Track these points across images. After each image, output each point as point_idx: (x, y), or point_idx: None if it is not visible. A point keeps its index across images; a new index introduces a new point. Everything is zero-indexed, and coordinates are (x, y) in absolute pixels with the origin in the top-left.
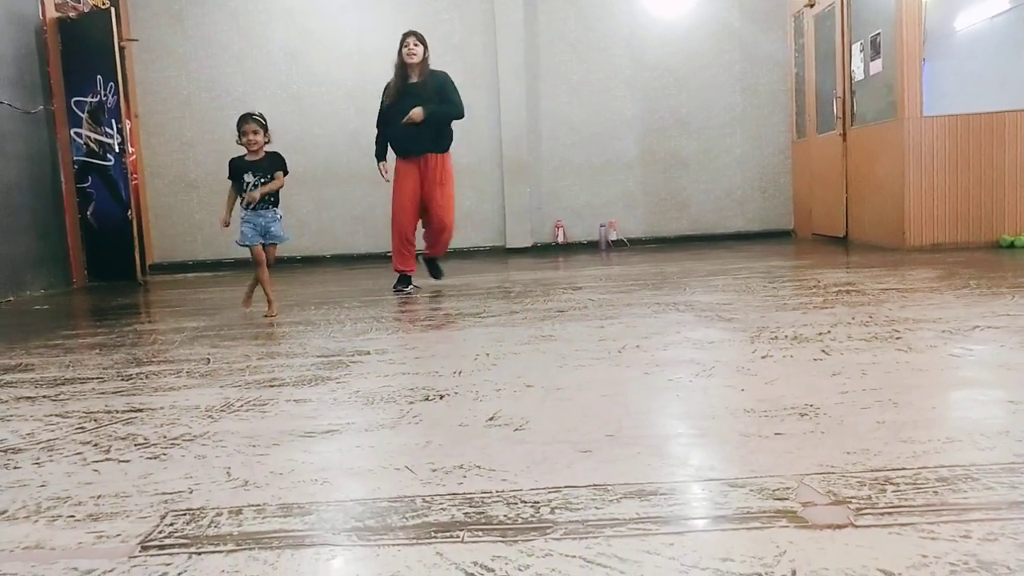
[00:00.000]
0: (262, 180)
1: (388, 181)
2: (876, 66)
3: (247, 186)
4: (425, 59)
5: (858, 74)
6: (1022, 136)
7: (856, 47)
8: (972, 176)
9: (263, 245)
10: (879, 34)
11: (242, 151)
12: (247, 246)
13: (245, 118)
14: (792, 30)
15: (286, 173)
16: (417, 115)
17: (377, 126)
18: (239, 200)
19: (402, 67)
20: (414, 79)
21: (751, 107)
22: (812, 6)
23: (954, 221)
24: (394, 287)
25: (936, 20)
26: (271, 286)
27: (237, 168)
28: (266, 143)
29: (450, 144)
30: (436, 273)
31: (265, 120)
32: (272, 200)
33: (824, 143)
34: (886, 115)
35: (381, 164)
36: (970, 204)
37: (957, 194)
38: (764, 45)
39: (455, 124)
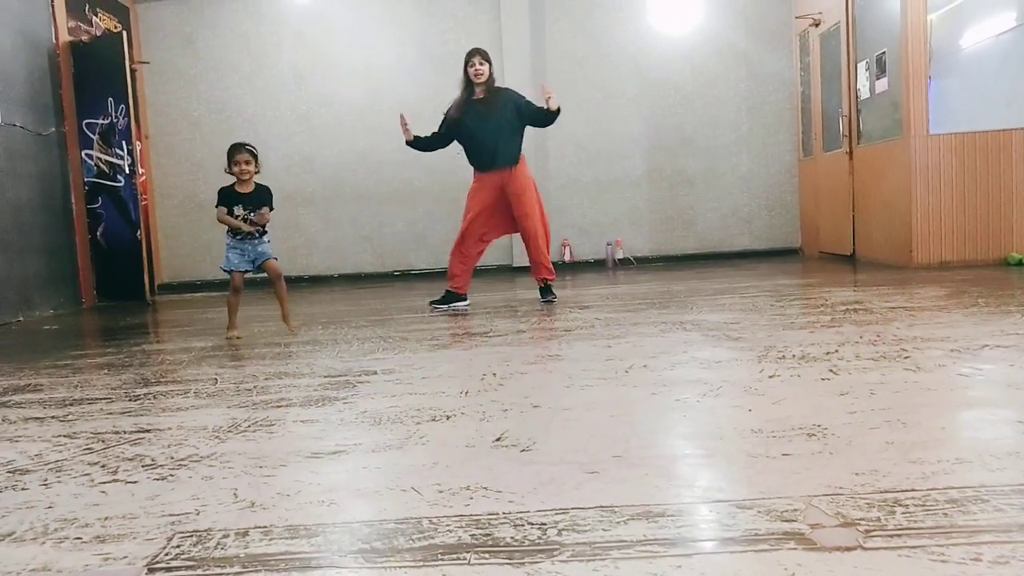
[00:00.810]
0: (251, 213)
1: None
2: (882, 84)
3: (237, 217)
4: (491, 76)
5: (864, 92)
6: None
7: (862, 66)
8: (979, 194)
9: (264, 263)
10: (884, 53)
11: (230, 180)
12: (229, 272)
13: (237, 147)
14: (797, 49)
15: (272, 208)
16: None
17: (438, 132)
18: (227, 230)
19: (468, 85)
20: (479, 95)
21: (757, 125)
22: (817, 25)
23: (962, 239)
24: (451, 303)
25: (942, 38)
26: (286, 300)
27: (227, 198)
28: (256, 172)
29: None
30: (545, 294)
31: (256, 151)
32: (259, 231)
33: (830, 161)
34: (892, 133)
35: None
36: (978, 222)
37: (964, 212)
38: (770, 64)
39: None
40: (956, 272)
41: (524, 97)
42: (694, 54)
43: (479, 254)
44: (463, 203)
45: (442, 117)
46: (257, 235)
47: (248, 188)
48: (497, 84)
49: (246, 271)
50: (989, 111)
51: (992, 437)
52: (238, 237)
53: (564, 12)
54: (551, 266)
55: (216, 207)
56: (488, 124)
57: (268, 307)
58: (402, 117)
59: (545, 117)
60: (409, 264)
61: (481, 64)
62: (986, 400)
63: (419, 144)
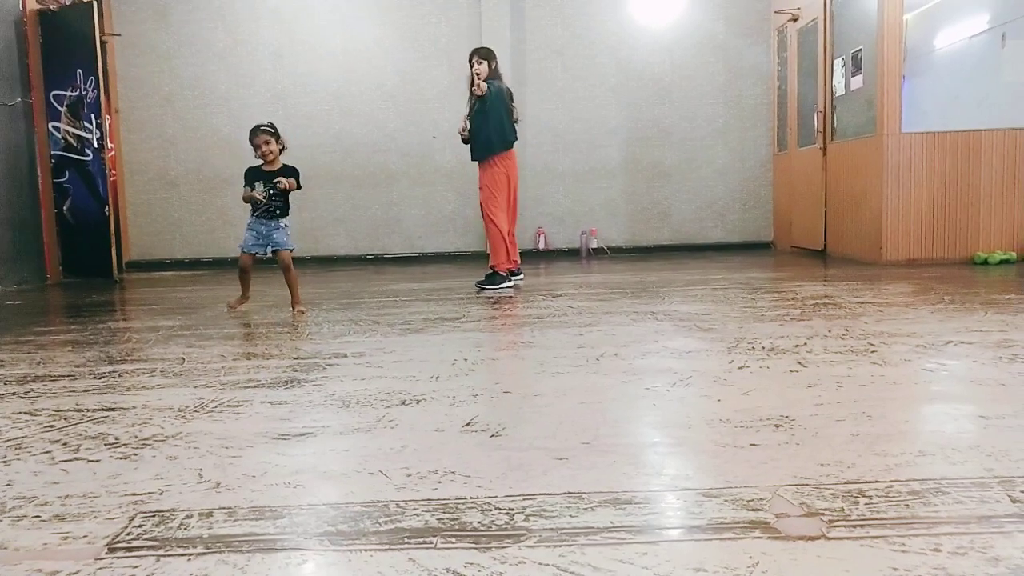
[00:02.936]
0: (272, 192)
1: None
2: (857, 82)
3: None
4: (495, 68)
5: (839, 89)
6: (998, 155)
7: (838, 62)
8: (948, 193)
9: (274, 252)
10: (860, 50)
11: (255, 161)
12: (243, 252)
13: (255, 131)
14: (776, 43)
15: (299, 186)
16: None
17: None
18: (252, 202)
19: (471, 84)
20: (479, 93)
21: (734, 119)
22: (796, 20)
23: (930, 237)
24: (499, 285)
25: (917, 38)
26: (297, 286)
27: (251, 176)
28: (282, 149)
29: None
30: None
31: (275, 128)
32: (279, 211)
33: (805, 156)
34: (866, 130)
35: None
36: (946, 221)
37: (934, 211)
38: (748, 57)
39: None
40: (924, 269)
41: (509, 94)
42: (674, 46)
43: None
44: (437, 187)
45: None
46: (276, 213)
47: (275, 167)
48: (494, 79)
49: (256, 254)
50: (960, 112)
51: (954, 431)
52: (255, 215)
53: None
54: (506, 258)
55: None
56: (479, 121)
57: (247, 288)
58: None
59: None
60: (383, 248)
61: (478, 64)
62: (949, 395)
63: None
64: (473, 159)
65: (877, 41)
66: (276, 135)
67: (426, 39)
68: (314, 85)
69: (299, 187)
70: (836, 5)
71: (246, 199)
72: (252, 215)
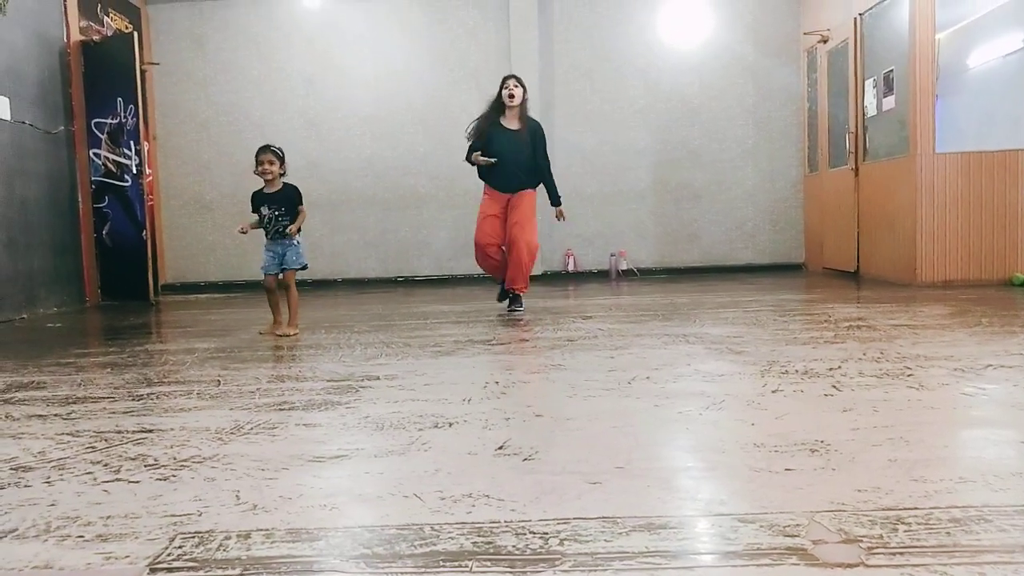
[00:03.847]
0: (277, 212)
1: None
2: (889, 102)
3: (264, 218)
4: (524, 101)
5: (871, 110)
6: None
7: (869, 83)
8: (984, 213)
9: (283, 270)
10: (892, 70)
11: (260, 183)
12: (265, 274)
13: (263, 149)
14: (805, 64)
15: (301, 203)
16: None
17: (469, 150)
18: (263, 229)
19: (499, 108)
20: (514, 124)
21: (763, 140)
22: (825, 41)
23: (966, 258)
24: (514, 307)
25: (949, 57)
26: (295, 308)
27: (256, 199)
28: (281, 175)
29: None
30: (511, 299)
31: (282, 153)
32: (282, 225)
33: (836, 177)
34: (898, 151)
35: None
36: (982, 241)
37: (969, 231)
38: (777, 78)
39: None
40: (960, 291)
41: (544, 138)
42: (702, 67)
43: (497, 253)
44: (466, 210)
45: (472, 136)
46: (286, 233)
47: (275, 187)
48: (528, 112)
49: (277, 273)
50: (995, 131)
51: (995, 457)
52: (269, 237)
53: (573, 22)
54: (527, 281)
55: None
56: (519, 154)
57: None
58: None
59: (545, 178)
60: (412, 270)
61: (516, 87)
62: (989, 420)
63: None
64: (523, 188)
65: (909, 61)
66: (282, 159)
67: (455, 62)
68: (346, 110)
69: (301, 203)
70: (867, 26)
71: (242, 231)
72: (267, 237)
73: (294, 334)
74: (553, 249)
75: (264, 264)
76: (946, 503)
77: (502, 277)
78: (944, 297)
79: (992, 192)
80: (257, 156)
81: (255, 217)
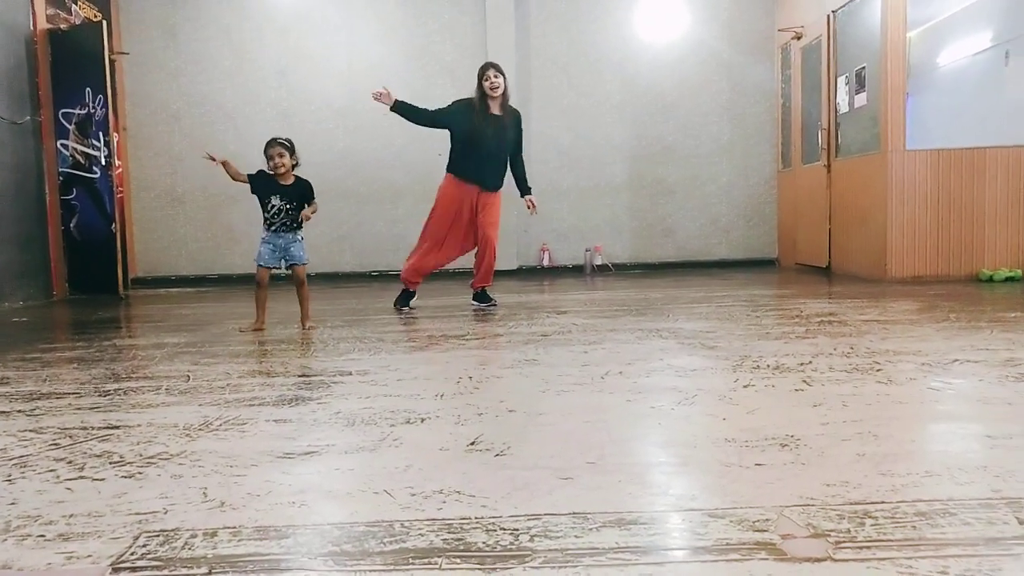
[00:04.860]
0: (288, 206)
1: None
2: (861, 99)
3: (272, 208)
4: (506, 91)
5: (843, 106)
6: (1002, 172)
7: (842, 80)
8: (953, 210)
9: (290, 266)
10: (864, 68)
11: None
12: (259, 265)
13: (271, 143)
14: (780, 61)
15: (313, 198)
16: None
17: (433, 114)
18: (264, 221)
19: (483, 97)
20: (496, 111)
21: (738, 136)
22: (799, 38)
23: (935, 254)
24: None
25: (920, 55)
26: (308, 302)
27: (265, 186)
28: (294, 165)
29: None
30: (485, 300)
31: (291, 143)
32: (295, 224)
33: (809, 173)
34: (870, 147)
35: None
36: (951, 238)
37: (938, 228)
38: (752, 75)
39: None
40: (929, 287)
41: (521, 126)
42: (678, 63)
43: (436, 265)
44: None
45: (446, 106)
46: (294, 226)
47: (288, 180)
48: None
49: (273, 267)
50: (964, 129)
51: (961, 451)
52: (272, 228)
53: (550, 16)
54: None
55: (247, 174)
56: (502, 145)
57: (248, 306)
58: (381, 93)
59: (516, 167)
60: (388, 264)
61: (496, 77)
62: (956, 414)
63: (407, 110)
64: (498, 188)
65: (881, 59)
66: (292, 150)
67: (431, 57)
68: (319, 103)
69: (314, 198)
70: (840, 23)
71: (211, 158)
72: (268, 229)
73: (313, 327)
74: (528, 244)
75: (261, 257)
76: (912, 497)
77: (415, 288)
78: (913, 292)
79: (960, 189)
80: (266, 151)
81: (240, 174)
